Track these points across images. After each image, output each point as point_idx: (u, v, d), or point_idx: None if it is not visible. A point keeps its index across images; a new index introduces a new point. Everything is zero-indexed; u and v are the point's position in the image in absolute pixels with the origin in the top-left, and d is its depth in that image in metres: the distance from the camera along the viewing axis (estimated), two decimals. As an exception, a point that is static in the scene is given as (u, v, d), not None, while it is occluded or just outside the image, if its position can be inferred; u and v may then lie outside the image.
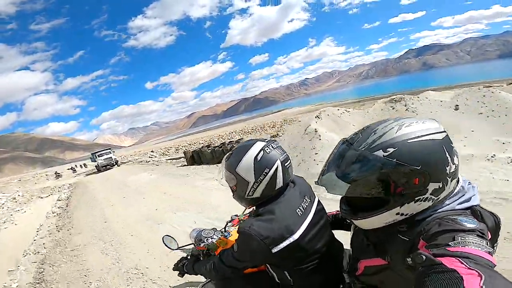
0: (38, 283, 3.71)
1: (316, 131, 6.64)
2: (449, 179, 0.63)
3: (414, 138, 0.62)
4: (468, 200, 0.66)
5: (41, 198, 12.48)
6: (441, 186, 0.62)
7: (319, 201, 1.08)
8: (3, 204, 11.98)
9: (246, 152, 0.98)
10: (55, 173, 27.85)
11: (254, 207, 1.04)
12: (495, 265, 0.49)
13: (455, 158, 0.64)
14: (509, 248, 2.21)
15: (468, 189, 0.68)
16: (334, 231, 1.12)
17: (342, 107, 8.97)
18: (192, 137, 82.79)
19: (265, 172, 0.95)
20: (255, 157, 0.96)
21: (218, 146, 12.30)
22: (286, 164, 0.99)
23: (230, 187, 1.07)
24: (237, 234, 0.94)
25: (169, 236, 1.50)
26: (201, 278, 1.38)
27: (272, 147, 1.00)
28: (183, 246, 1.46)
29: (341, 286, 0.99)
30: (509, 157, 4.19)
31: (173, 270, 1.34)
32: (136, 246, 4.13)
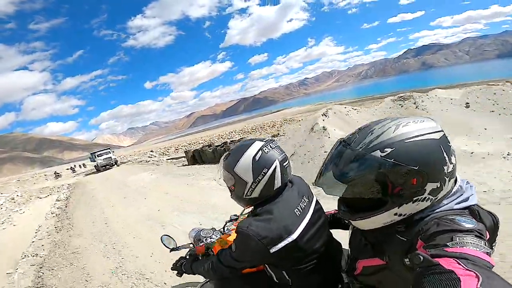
0: (38, 287, 3.62)
1: (325, 129, 6.59)
2: (447, 179, 0.63)
3: (411, 138, 0.62)
4: (466, 199, 0.65)
5: (40, 198, 12.39)
6: (439, 186, 0.62)
7: (317, 201, 1.08)
8: (2, 204, 11.91)
9: (244, 151, 0.98)
10: (54, 173, 27.84)
11: (253, 207, 1.03)
12: (493, 266, 0.48)
13: (452, 158, 0.64)
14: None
15: (466, 189, 0.68)
16: (332, 231, 1.12)
17: (348, 105, 8.93)
18: (191, 137, 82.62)
19: (264, 172, 0.95)
20: (254, 157, 0.96)
21: (220, 145, 12.22)
22: (284, 164, 0.99)
23: (228, 187, 1.06)
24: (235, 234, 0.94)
25: (168, 235, 1.50)
26: (200, 278, 1.37)
27: (271, 147, 0.99)
28: (182, 246, 1.46)
29: (340, 286, 0.99)
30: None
31: (172, 269, 1.34)
32: (138, 248, 4.06)
